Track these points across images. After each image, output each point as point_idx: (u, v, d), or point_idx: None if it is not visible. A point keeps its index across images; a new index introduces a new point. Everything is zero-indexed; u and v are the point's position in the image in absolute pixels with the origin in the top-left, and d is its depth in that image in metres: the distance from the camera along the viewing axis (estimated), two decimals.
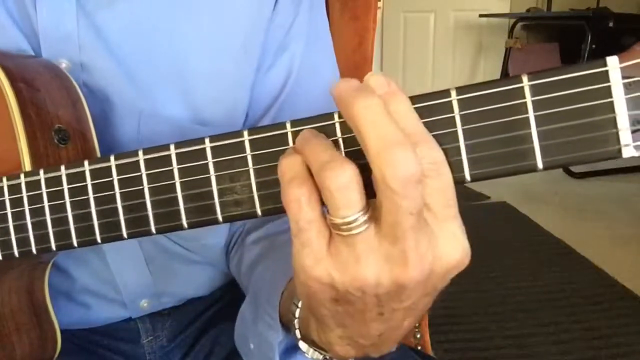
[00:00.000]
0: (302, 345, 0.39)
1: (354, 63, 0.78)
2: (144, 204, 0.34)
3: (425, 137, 0.27)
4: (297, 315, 0.39)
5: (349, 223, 0.27)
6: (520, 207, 2.63)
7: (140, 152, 0.34)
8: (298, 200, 0.28)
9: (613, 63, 0.25)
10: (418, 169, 0.25)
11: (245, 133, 0.31)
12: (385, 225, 0.27)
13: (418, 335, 0.81)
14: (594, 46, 3.13)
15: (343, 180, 0.27)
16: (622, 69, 0.25)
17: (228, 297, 0.65)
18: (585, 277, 1.98)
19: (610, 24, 3.14)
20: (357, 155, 0.28)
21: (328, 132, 0.30)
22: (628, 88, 0.25)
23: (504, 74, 3.77)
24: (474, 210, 2.52)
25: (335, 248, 0.29)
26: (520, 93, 0.26)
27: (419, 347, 0.80)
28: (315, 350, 0.38)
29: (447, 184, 0.28)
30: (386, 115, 0.26)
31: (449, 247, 0.28)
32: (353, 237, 0.28)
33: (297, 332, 0.39)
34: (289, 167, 0.29)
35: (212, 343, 0.61)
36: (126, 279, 0.57)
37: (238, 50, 0.53)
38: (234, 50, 0.53)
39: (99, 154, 0.46)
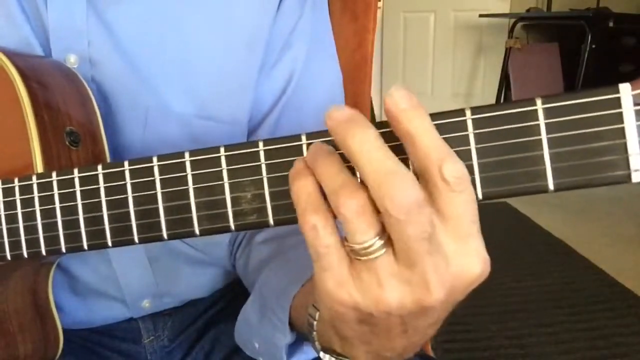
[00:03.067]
0: (324, 356, 0.39)
1: (354, 63, 0.78)
2: (157, 209, 0.34)
3: (448, 153, 0.27)
4: (315, 327, 0.38)
5: (366, 248, 0.28)
6: (521, 207, 2.63)
7: (155, 159, 0.34)
8: (314, 227, 0.28)
9: (625, 90, 0.26)
10: (418, 195, 0.26)
11: (261, 143, 0.31)
12: (400, 252, 0.28)
13: None
14: (594, 46, 3.14)
15: (355, 206, 0.27)
16: (634, 96, 0.26)
17: (228, 296, 0.65)
18: (585, 277, 1.99)
19: (610, 24, 3.15)
20: None
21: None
22: (639, 114, 0.26)
23: (504, 74, 3.77)
24: None
25: (356, 272, 0.29)
26: (533, 115, 0.27)
27: (419, 347, 0.81)
28: (337, 358, 0.38)
29: (472, 200, 0.28)
30: (380, 146, 0.27)
31: (471, 264, 0.28)
32: (372, 262, 0.28)
33: (318, 345, 0.39)
34: (302, 190, 0.29)
35: (213, 342, 0.62)
36: (129, 278, 0.57)
37: (243, 48, 0.54)
38: (239, 48, 0.54)
39: (108, 158, 0.46)
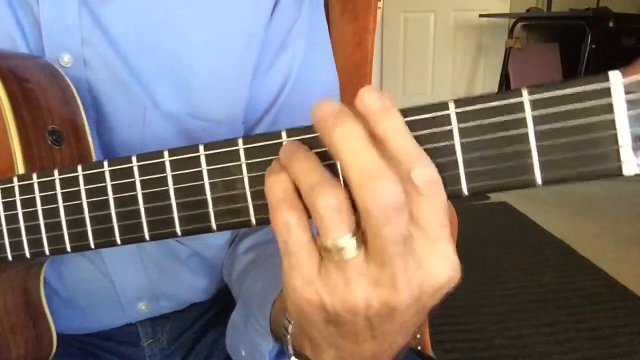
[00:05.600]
0: None
1: (354, 63, 0.78)
2: (138, 210, 0.34)
3: (419, 156, 0.27)
4: (289, 331, 0.38)
5: (339, 247, 0.27)
6: (520, 207, 2.63)
7: (134, 158, 0.33)
8: (286, 224, 0.28)
9: (615, 78, 0.25)
10: (399, 198, 0.26)
11: (240, 141, 0.31)
12: (372, 251, 0.27)
13: (418, 335, 0.81)
14: (594, 46, 3.14)
15: (333, 203, 0.27)
16: (624, 84, 0.25)
17: (228, 299, 0.65)
18: (585, 277, 1.99)
19: (610, 24, 3.15)
20: None
21: (323, 143, 0.29)
22: (630, 104, 0.25)
23: (504, 74, 3.77)
24: (474, 210, 2.52)
25: (325, 271, 0.29)
26: (520, 107, 0.26)
27: (419, 347, 0.80)
28: None
29: (441, 204, 0.27)
30: (366, 144, 0.26)
31: (439, 267, 0.28)
32: (343, 261, 0.28)
33: (290, 348, 0.38)
34: (275, 187, 0.28)
35: (212, 345, 0.61)
36: (122, 280, 0.56)
37: (238, 47, 0.53)
38: (233, 47, 0.53)
39: (93, 155, 0.46)
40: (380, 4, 0.81)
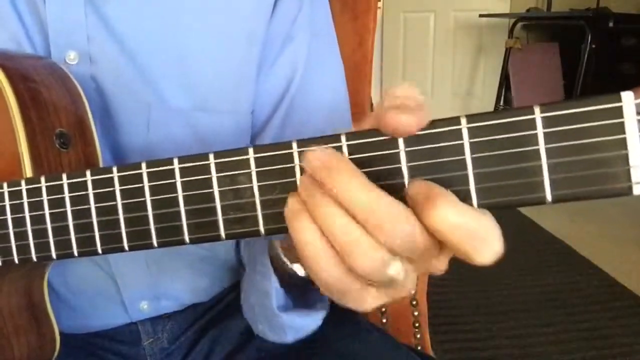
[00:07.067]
0: (298, 268, 0.40)
1: (354, 63, 0.78)
2: (146, 217, 0.34)
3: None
4: (279, 246, 0.40)
5: (393, 280, 0.28)
6: (520, 207, 2.63)
7: (144, 165, 0.33)
8: (331, 277, 0.29)
9: (628, 98, 0.25)
10: (412, 229, 0.27)
11: (251, 150, 0.31)
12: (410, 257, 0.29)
13: (418, 335, 0.81)
14: (594, 46, 3.14)
15: (373, 264, 0.27)
16: (637, 104, 0.25)
17: (228, 298, 0.65)
18: (585, 277, 1.99)
19: (610, 24, 3.14)
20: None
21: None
22: None
23: (504, 74, 3.76)
24: None
25: (382, 291, 0.30)
26: (531, 124, 0.26)
27: (419, 347, 0.80)
28: None
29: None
30: (365, 189, 0.27)
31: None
32: (397, 283, 0.29)
33: (286, 260, 0.40)
34: (301, 239, 0.28)
35: (212, 343, 0.61)
36: (126, 278, 0.57)
37: (241, 40, 0.54)
38: (237, 40, 0.54)
39: (100, 158, 0.46)
40: (380, 4, 0.81)
